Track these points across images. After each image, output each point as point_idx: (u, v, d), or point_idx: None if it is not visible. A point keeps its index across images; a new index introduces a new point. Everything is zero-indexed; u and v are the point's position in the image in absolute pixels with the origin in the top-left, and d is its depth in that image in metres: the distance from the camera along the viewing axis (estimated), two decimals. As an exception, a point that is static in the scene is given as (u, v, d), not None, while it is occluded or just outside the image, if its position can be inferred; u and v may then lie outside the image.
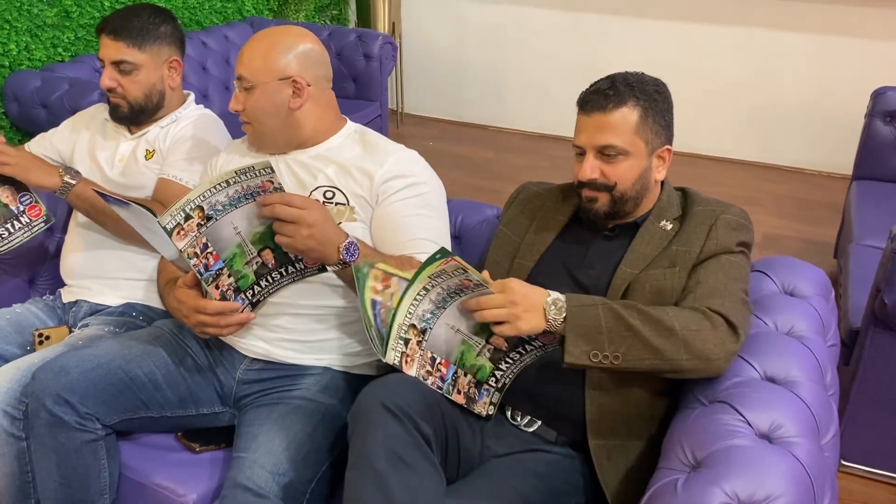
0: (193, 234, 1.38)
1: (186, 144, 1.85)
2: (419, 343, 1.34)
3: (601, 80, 1.48)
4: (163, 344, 1.62)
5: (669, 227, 1.48)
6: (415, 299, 1.30)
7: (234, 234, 1.41)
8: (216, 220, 1.38)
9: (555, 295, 1.29)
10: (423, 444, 1.22)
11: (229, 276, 1.46)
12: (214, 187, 1.35)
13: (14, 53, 2.99)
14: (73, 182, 1.74)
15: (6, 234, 1.71)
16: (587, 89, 1.48)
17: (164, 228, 1.35)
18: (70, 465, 1.48)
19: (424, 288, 1.30)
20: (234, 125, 1.98)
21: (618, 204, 1.47)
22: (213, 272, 1.44)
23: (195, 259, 1.41)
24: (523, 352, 1.37)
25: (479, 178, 4.14)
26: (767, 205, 3.80)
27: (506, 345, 1.36)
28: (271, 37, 1.63)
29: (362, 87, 3.86)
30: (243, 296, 1.50)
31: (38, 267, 1.99)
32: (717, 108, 4.22)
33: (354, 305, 1.57)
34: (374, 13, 4.47)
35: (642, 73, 1.49)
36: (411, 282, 1.30)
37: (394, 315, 1.31)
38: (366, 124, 3.67)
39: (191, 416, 1.61)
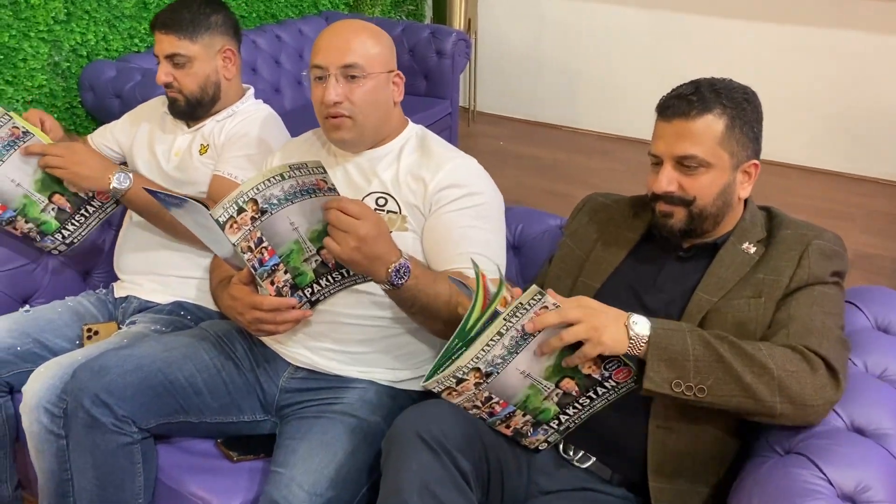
0: (247, 228, 1.32)
1: (242, 141, 1.81)
2: (477, 384, 1.21)
3: (684, 84, 1.36)
4: (206, 347, 1.57)
5: (752, 250, 1.35)
6: (489, 344, 1.16)
7: (290, 230, 1.35)
8: (271, 213, 1.33)
9: (636, 315, 1.18)
10: (460, 479, 1.13)
11: (286, 272, 1.41)
12: (268, 180, 1.30)
13: (92, 44, 3.03)
14: (122, 188, 1.71)
15: (81, 220, 1.70)
16: (668, 94, 1.36)
17: (217, 221, 1.31)
18: (105, 467, 1.45)
19: (499, 332, 1.16)
20: (293, 122, 1.94)
21: (695, 221, 1.34)
22: (267, 267, 1.39)
23: (249, 254, 1.36)
24: (594, 396, 1.25)
25: (550, 180, 4.01)
26: (858, 220, 3.54)
27: (576, 389, 1.23)
28: (368, 27, 1.55)
29: (433, 84, 3.79)
30: (301, 293, 1.44)
31: (94, 260, 1.99)
32: (806, 115, 3.97)
33: (402, 317, 1.49)
34: (451, 9, 4.39)
35: (730, 79, 1.36)
36: (486, 318, 1.18)
37: (457, 349, 1.19)
38: (435, 122, 3.68)
39: (231, 423, 1.56)
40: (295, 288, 1.44)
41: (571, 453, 1.35)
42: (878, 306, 1.43)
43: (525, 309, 1.14)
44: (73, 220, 1.69)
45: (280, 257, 1.39)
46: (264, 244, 1.36)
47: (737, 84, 1.35)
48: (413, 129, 1.64)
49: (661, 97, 1.36)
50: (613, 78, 4.45)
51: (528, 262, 1.73)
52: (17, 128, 1.58)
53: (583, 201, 1.61)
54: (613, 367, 1.19)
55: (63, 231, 1.70)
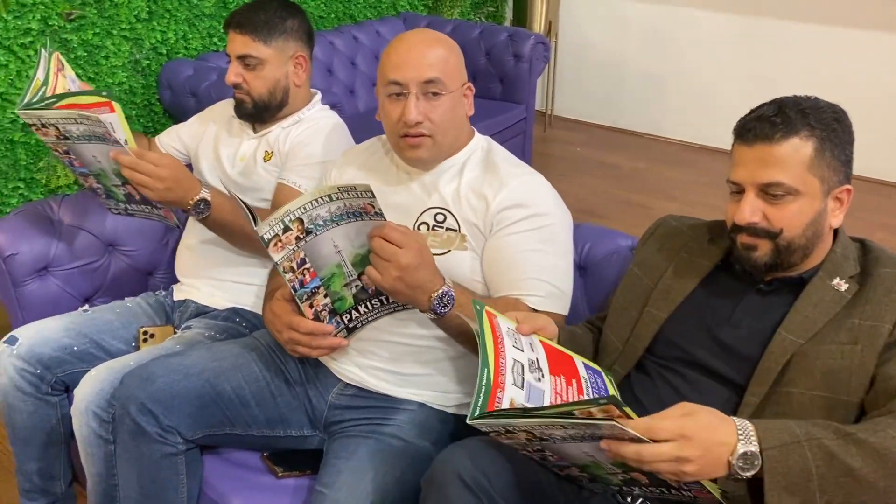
0: (291, 248, 1.30)
1: (306, 150, 1.77)
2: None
3: (765, 104, 1.22)
4: (256, 358, 1.54)
5: (844, 287, 1.20)
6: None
7: (334, 253, 1.32)
8: (316, 235, 1.29)
9: (745, 444, 0.98)
10: None
11: (325, 296, 1.37)
12: (315, 200, 1.26)
13: (172, 42, 3.08)
14: (197, 217, 1.64)
15: (146, 208, 1.69)
16: (748, 115, 1.23)
17: (262, 239, 1.28)
18: (149, 476, 1.43)
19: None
20: (366, 125, 1.88)
21: (782, 254, 1.20)
22: (308, 290, 1.35)
23: (290, 274, 1.33)
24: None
25: (627, 190, 3.86)
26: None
27: (645, 480, 1.07)
28: (441, 38, 1.48)
29: (509, 88, 3.70)
30: (339, 319, 1.40)
31: (157, 261, 1.99)
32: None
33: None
34: (531, 11, 4.29)
35: (816, 98, 1.22)
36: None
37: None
38: (509, 127, 3.59)
39: (278, 437, 1.53)
40: (333, 313, 1.39)
41: None
42: None
43: None
44: (137, 205, 1.67)
45: (321, 280, 1.35)
46: (307, 265, 1.33)
47: (824, 102, 1.22)
48: (479, 142, 1.56)
49: (740, 119, 1.23)
50: (700, 85, 4.26)
51: (595, 284, 1.63)
52: (112, 133, 1.53)
53: (654, 225, 1.48)
54: (696, 487, 1.03)
55: (126, 205, 1.69)
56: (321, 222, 1.27)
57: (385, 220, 1.26)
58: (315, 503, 1.33)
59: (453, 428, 1.48)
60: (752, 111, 1.23)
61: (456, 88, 1.45)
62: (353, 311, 1.40)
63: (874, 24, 3.67)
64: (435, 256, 1.32)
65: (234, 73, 1.76)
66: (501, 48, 3.67)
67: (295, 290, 1.35)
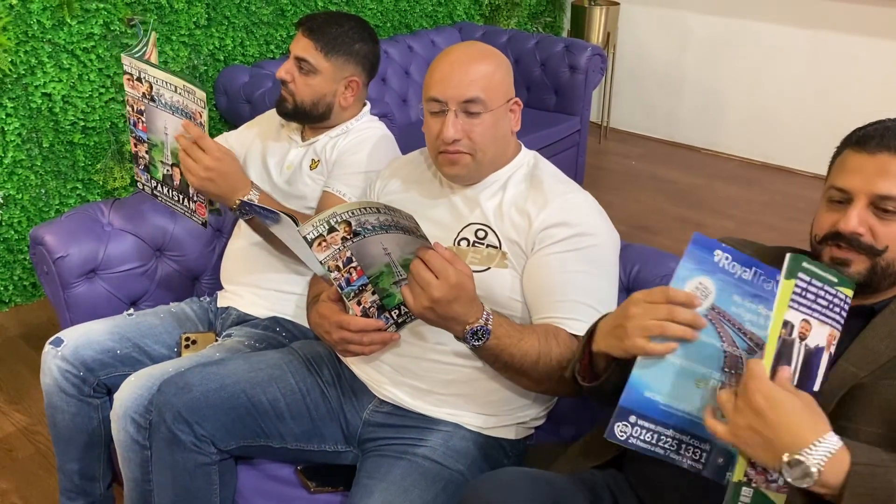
0: (336, 248, 1.30)
1: (353, 159, 1.76)
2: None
3: (886, 119, 1.17)
4: (294, 370, 1.53)
5: None
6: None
7: (383, 254, 1.31)
8: (364, 237, 1.29)
9: (832, 440, 0.93)
10: None
11: (373, 293, 1.36)
12: (364, 208, 1.26)
13: (229, 48, 3.12)
14: (242, 217, 1.66)
15: (176, 198, 1.70)
16: (869, 125, 1.17)
17: (305, 238, 1.28)
18: (183, 485, 1.43)
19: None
20: (418, 134, 1.86)
21: (877, 276, 1.12)
22: (355, 287, 1.35)
23: (336, 272, 1.33)
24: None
25: (684, 206, 3.76)
26: None
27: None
28: (487, 52, 1.45)
29: (564, 99, 3.64)
30: (388, 315, 1.39)
31: (203, 266, 2.00)
32: None
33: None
34: (590, 22, 4.22)
35: None
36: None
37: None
38: (562, 139, 3.54)
39: (312, 451, 1.51)
40: (382, 309, 1.38)
41: None
42: None
43: None
44: (171, 190, 1.69)
45: (369, 278, 1.35)
46: (353, 264, 1.33)
47: None
48: (525, 157, 1.53)
49: (855, 130, 1.18)
50: (762, 100, 4.13)
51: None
52: (202, 116, 1.58)
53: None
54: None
55: (159, 184, 1.70)
56: (370, 227, 1.27)
57: (430, 243, 1.23)
58: (345, 522, 1.32)
59: (490, 452, 1.44)
60: (869, 124, 1.17)
61: (499, 105, 1.41)
62: (403, 307, 1.37)
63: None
64: (474, 273, 1.29)
65: (285, 70, 1.77)
66: (557, 59, 3.62)
67: (342, 288, 1.34)
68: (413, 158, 1.64)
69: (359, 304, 1.37)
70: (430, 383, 1.44)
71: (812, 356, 0.95)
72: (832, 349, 0.96)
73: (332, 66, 1.75)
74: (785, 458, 0.91)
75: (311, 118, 1.78)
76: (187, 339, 1.74)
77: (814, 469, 0.90)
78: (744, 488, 0.98)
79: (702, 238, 1.00)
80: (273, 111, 2.00)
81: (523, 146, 1.55)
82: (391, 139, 1.85)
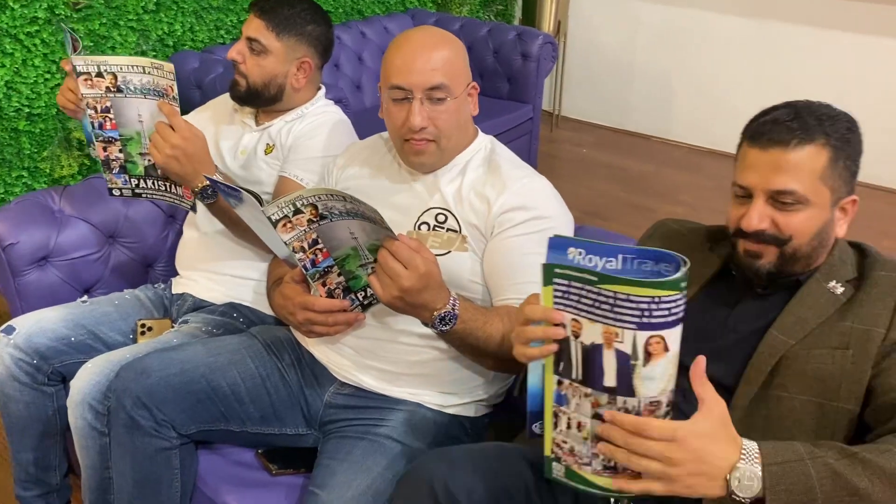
0: (302, 230, 1.31)
1: (309, 143, 1.76)
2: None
3: (779, 107, 1.19)
4: (253, 355, 1.53)
5: (840, 290, 1.18)
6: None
7: (349, 238, 1.32)
8: (331, 221, 1.30)
9: (747, 462, 0.94)
10: None
11: (339, 274, 1.37)
12: (331, 195, 1.26)
13: (179, 34, 3.07)
14: (204, 201, 1.64)
15: (161, 187, 1.67)
16: (761, 117, 1.19)
17: (269, 218, 1.29)
18: (143, 470, 1.42)
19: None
20: (372, 120, 1.86)
21: (787, 263, 1.18)
22: (320, 269, 1.36)
23: (301, 253, 1.34)
24: None
25: (634, 193, 3.84)
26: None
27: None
28: (446, 38, 1.46)
29: (516, 87, 3.68)
30: (353, 296, 1.40)
31: (157, 253, 1.98)
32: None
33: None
34: (541, 10, 4.26)
35: (829, 105, 1.19)
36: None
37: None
38: (515, 127, 3.57)
39: (273, 434, 1.52)
40: (347, 291, 1.39)
41: None
42: None
43: None
44: (155, 181, 1.66)
45: (335, 260, 1.36)
46: (319, 246, 1.34)
47: (838, 111, 1.18)
48: (482, 141, 1.55)
49: (751, 120, 1.20)
50: (710, 88, 4.23)
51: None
52: (173, 90, 1.56)
53: (653, 228, 1.45)
54: None
55: (141, 180, 1.66)
56: (336, 212, 1.28)
57: (395, 234, 1.25)
58: (308, 503, 1.33)
59: (451, 430, 1.46)
60: (764, 113, 1.19)
61: (461, 91, 1.43)
62: (369, 289, 1.39)
63: (886, 31, 3.64)
64: (435, 257, 1.31)
65: (236, 51, 1.76)
66: (509, 47, 3.65)
67: (306, 270, 1.35)
68: (371, 143, 1.64)
69: (324, 285, 1.38)
70: (392, 365, 1.45)
71: (591, 353, 0.94)
72: (619, 345, 0.91)
73: (283, 46, 1.75)
74: (736, 471, 0.93)
75: (263, 100, 1.78)
76: (143, 325, 1.73)
77: (755, 490, 0.92)
78: (554, 463, 1.01)
79: (556, 239, 0.98)
80: (226, 96, 1.98)
81: (479, 130, 1.57)
82: (348, 124, 1.85)
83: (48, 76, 2.70)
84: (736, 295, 1.26)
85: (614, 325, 0.91)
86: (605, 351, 0.92)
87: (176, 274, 1.89)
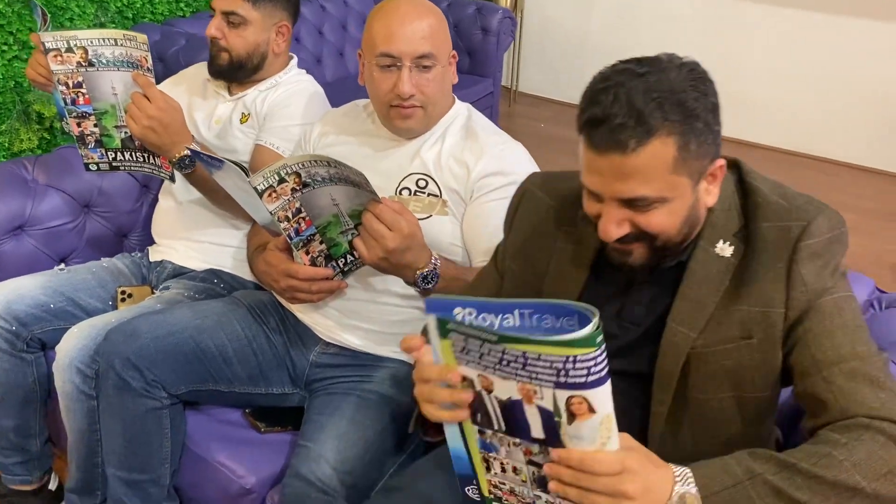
0: (286, 198, 1.34)
1: (285, 112, 1.78)
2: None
3: (610, 94, 0.95)
4: (238, 317, 1.56)
5: (730, 251, 1.05)
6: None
7: (331, 205, 1.36)
8: (313, 188, 1.33)
9: (682, 486, 0.89)
10: None
11: (321, 242, 1.41)
12: (315, 161, 1.30)
13: (137, 6, 3.03)
14: (182, 171, 1.64)
15: (140, 158, 1.67)
16: (591, 107, 0.97)
17: (255, 189, 1.32)
18: (134, 430, 1.45)
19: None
20: (333, 95, 1.90)
21: (660, 253, 1.05)
22: (303, 237, 1.39)
23: (286, 223, 1.37)
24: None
25: (590, 166, 3.93)
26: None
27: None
28: (430, 7, 1.49)
29: (476, 62, 3.73)
30: (335, 263, 1.44)
31: (132, 222, 1.98)
32: (860, 112, 3.83)
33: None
34: (498, -15, 4.30)
35: (667, 63, 0.99)
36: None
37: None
38: (476, 101, 3.62)
39: (260, 394, 1.56)
40: (329, 258, 1.43)
41: None
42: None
43: None
44: (133, 153, 1.66)
45: (316, 228, 1.39)
46: (302, 214, 1.37)
47: (677, 73, 0.98)
48: (460, 108, 1.60)
49: (581, 109, 0.99)
50: (661, 64, 4.34)
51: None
52: (148, 60, 1.56)
53: (517, 196, 1.27)
54: None
55: (118, 153, 1.66)
56: (319, 178, 1.31)
57: (378, 197, 1.29)
58: (299, 456, 1.36)
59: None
60: (593, 100, 0.98)
61: (445, 60, 1.48)
62: (349, 256, 1.43)
63: (830, 7, 3.79)
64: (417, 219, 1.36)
65: (215, 27, 1.76)
66: (469, 21, 3.70)
67: (290, 238, 1.38)
68: (349, 110, 1.67)
69: (307, 253, 1.42)
70: (376, 325, 1.50)
71: (510, 407, 0.85)
72: (539, 401, 0.82)
73: (261, 14, 1.76)
74: (674, 496, 0.88)
75: (246, 71, 1.79)
76: (123, 292, 1.74)
77: (695, 491, 0.89)
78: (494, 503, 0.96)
79: (435, 302, 0.84)
80: (195, 67, 1.99)
81: (456, 98, 1.62)
82: (321, 92, 1.88)
83: (5, 48, 2.64)
84: (624, 278, 1.11)
85: (530, 384, 0.81)
86: (527, 406, 0.83)
87: (152, 243, 1.90)
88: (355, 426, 1.39)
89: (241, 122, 1.82)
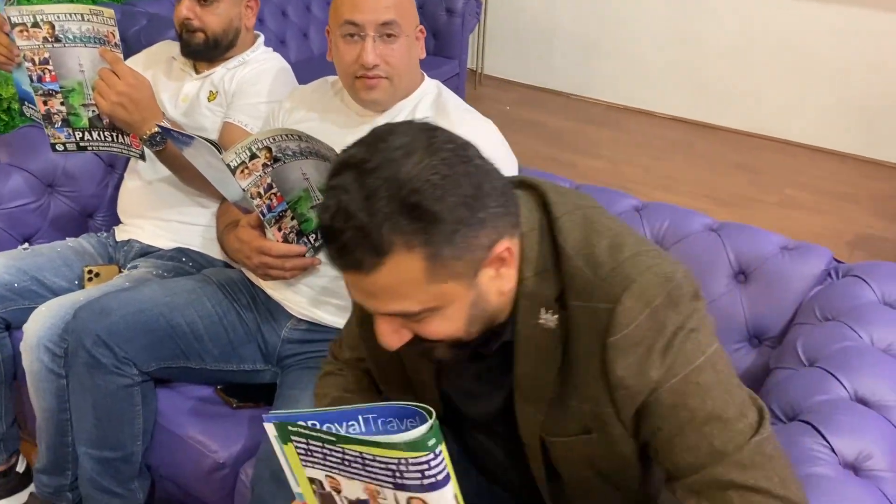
0: (258, 174, 1.34)
1: (254, 89, 1.78)
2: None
3: (331, 187, 0.80)
4: (209, 294, 1.56)
5: (553, 320, 0.89)
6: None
7: (301, 179, 1.37)
8: (284, 163, 1.34)
9: None
10: None
11: (292, 218, 1.41)
12: (285, 135, 1.30)
13: (98, -15, 2.98)
14: (153, 149, 1.62)
15: (108, 138, 1.64)
16: (322, 211, 0.82)
17: (228, 166, 1.31)
18: (105, 408, 1.45)
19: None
20: (298, 75, 1.90)
21: (463, 346, 0.91)
22: (275, 213, 1.39)
23: (258, 199, 1.37)
24: None
25: (556, 148, 3.97)
26: (864, 203, 3.53)
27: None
28: None
29: (442, 43, 3.74)
30: (306, 239, 1.45)
31: (97, 203, 1.96)
32: (819, 94, 3.93)
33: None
34: (463, -32, 4.30)
35: (401, 146, 0.79)
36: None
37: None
38: (442, 83, 3.63)
39: (231, 370, 1.56)
40: (300, 234, 1.43)
41: None
42: (886, 282, 1.41)
43: None
44: (101, 132, 1.64)
45: (288, 203, 1.39)
46: (273, 190, 1.37)
47: (413, 156, 0.78)
48: (430, 85, 1.61)
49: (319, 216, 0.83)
50: (629, 47, 4.39)
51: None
52: (115, 36, 1.54)
53: None
54: None
55: (85, 132, 1.64)
56: (290, 153, 1.32)
57: None
58: (272, 430, 1.38)
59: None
60: (324, 205, 0.81)
61: (411, 31, 1.48)
62: (320, 230, 1.43)
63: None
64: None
65: (186, 8, 1.74)
66: (434, 3, 3.70)
67: (263, 215, 1.38)
68: (318, 87, 1.67)
69: (279, 229, 1.42)
70: (346, 299, 1.51)
71: None
72: (384, 501, 0.80)
73: None
74: None
75: (221, 49, 1.78)
76: (90, 271, 1.72)
77: None
78: None
79: (274, 416, 0.83)
80: (160, 45, 1.98)
81: (426, 75, 1.63)
82: (289, 69, 1.87)
83: (-40, 26, 2.59)
84: (461, 363, 0.99)
85: (373, 483, 0.80)
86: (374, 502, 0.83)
87: (118, 222, 1.88)
88: (329, 399, 1.40)
89: (209, 100, 1.80)
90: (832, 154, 3.98)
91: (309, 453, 0.83)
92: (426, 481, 0.76)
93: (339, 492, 0.85)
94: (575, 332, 0.87)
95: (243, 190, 1.34)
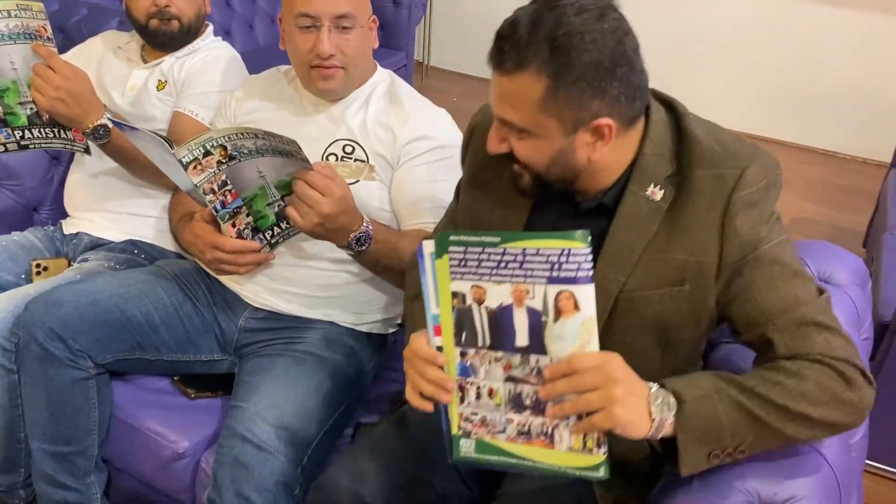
0: (212, 171, 1.33)
1: (204, 78, 1.77)
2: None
3: (520, 7, 1.02)
4: (163, 285, 1.55)
5: (660, 195, 1.06)
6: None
7: (257, 177, 1.36)
8: (239, 161, 1.33)
9: (654, 385, 0.97)
10: None
11: (248, 215, 1.41)
12: (242, 133, 1.29)
13: (33, -26, 2.89)
14: (97, 142, 1.60)
15: (49, 134, 1.60)
16: (504, 22, 1.05)
17: (180, 161, 1.30)
18: (59, 402, 1.43)
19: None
20: (248, 63, 1.89)
21: (542, 183, 1.09)
22: (229, 210, 1.39)
23: (211, 195, 1.36)
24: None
25: (503, 138, 4.02)
26: (797, 187, 3.67)
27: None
28: None
29: (388, 35, 3.74)
30: (262, 235, 1.44)
31: (42, 196, 1.92)
32: (752, 82, 4.06)
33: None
34: (407, -42, 4.31)
35: (587, 4, 0.98)
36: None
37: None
38: (390, 74, 3.64)
39: (188, 361, 1.56)
40: (256, 230, 1.43)
41: None
42: (820, 259, 1.48)
43: None
44: (42, 129, 1.60)
45: (243, 200, 1.39)
46: (228, 187, 1.36)
47: (588, 16, 0.97)
48: (382, 75, 1.62)
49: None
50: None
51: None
52: (47, 29, 1.49)
53: (468, 130, 1.29)
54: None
55: (25, 131, 1.59)
56: (246, 151, 1.30)
57: (311, 165, 1.30)
58: (234, 417, 1.37)
59: (363, 343, 1.56)
60: (509, 18, 1.04)
61: (365, 21, 1.49)
62: (276, 228, 1.43)
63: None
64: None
65: None
66: (381, -6, 3.70)
67: (216, 211, 1.37)
68: (270, 76, 1.67)
69: (233, 225, 1.41)
70: (305, 289, 1.52)
71: (498, 316, 0.95)
72: (530, 302, 0.92)
73: None
74: (654, 401, 0.94)
75: (190, 35, 1.77)
76: (38, 265, 1.69)
77: (672, 414, 0.95)
78: (462, 441, 1.01)
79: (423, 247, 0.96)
80: (103, 36, 1.95)
81: (378, 65, 1.65)
82: (240, 60, 1.86)
83: None
84: (555, 216, 1.15)
85: (524, 283, 0.92)
86: (516, 310, 0.93)
87: (64, 216, 1.85)
88: (289, 384, 1.40)
89: (158, 90, 1.79)
90: (766, 141, 4.12)
91: (463, 263, 0.94)
92: (580, 273, 0.89)
93: (480, 303, 0.95)
94: (695, 195, 1.04)
95: (195, 186, 1.33)
